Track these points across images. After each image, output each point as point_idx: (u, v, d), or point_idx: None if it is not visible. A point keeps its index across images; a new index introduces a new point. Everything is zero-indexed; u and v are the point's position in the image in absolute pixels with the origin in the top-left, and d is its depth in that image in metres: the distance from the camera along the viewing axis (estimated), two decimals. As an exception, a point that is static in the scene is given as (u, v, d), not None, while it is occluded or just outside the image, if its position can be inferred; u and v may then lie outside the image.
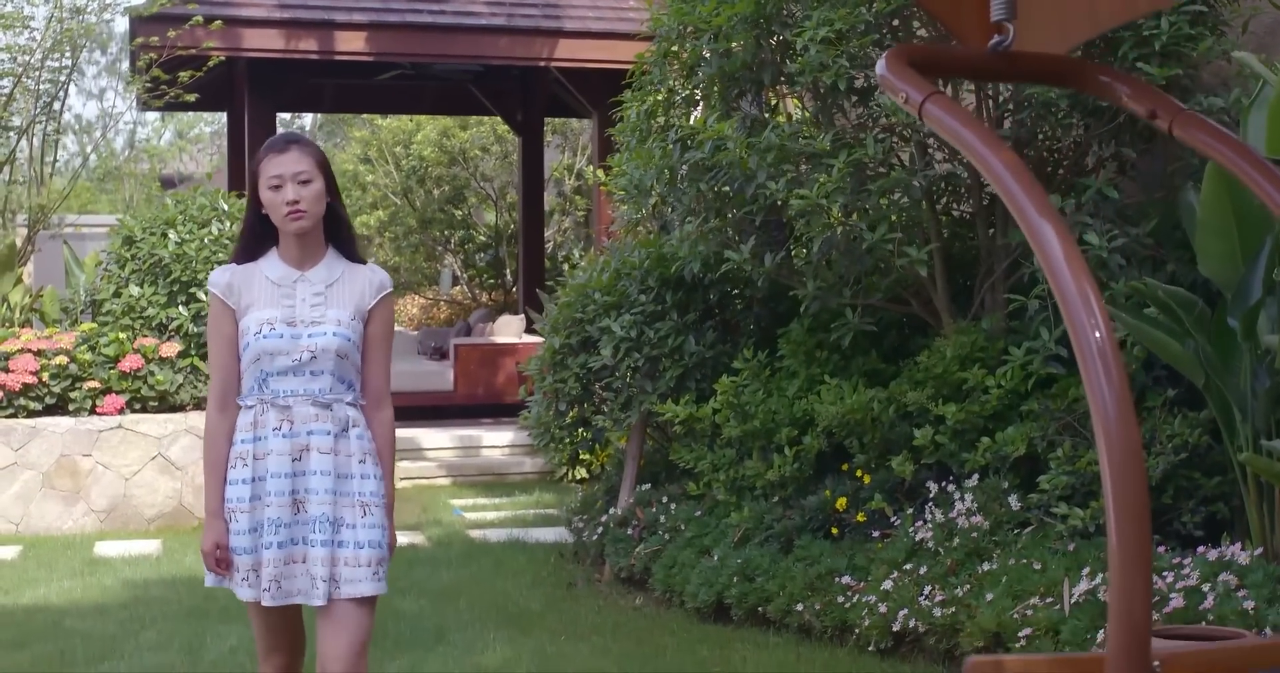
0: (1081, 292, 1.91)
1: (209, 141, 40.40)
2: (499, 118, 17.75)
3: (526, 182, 16.50)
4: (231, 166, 15.41)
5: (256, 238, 4.06)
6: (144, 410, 10.05)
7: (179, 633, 6.84)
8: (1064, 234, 1.91)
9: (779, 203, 6.78)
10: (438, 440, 12.70)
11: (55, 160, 12.65)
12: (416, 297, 22.02)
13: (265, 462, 3.95)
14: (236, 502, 3.98)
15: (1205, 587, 5.35)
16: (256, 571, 3.96)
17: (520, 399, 10.32)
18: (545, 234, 18.10)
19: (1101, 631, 5.41)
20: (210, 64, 11.90)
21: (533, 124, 16.58)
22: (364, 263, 4.12)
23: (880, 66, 2.05)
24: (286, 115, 31.49)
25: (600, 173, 10.50)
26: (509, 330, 15.06)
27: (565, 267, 19.53)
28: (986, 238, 7.03)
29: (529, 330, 14.88)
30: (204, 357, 10.28)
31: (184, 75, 11.65)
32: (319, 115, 27.48)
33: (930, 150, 6.93)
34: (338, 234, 4.09)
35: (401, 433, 10.76)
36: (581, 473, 11.50)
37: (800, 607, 6.54)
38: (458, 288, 22.05)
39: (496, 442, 12.80)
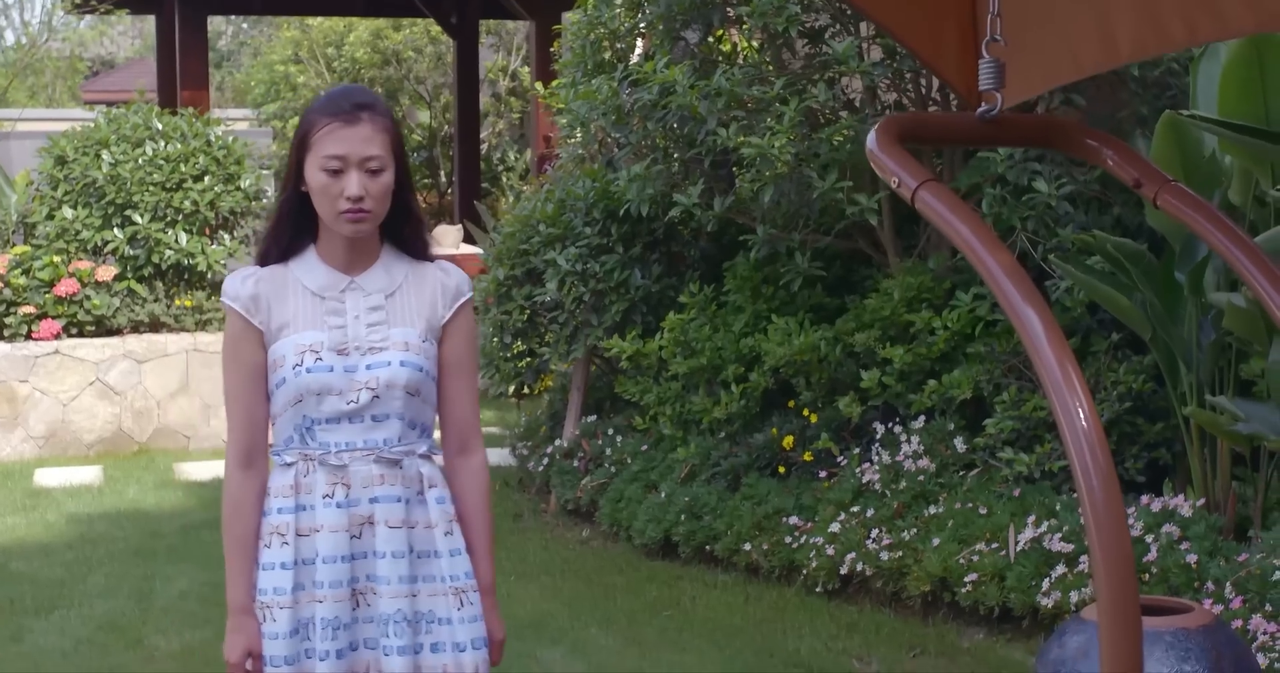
0: (1065, 374, 1.93)
1: (130, 25, 39.60)
2: (433, 20, 17.48)
3: (461, 85, 16.29)
4: (161, 75, 15.11)
5: (294, 229, 2.97)
6: (81, 335, 9.93)
7: (127, 576, 6.83)
8: (1048, 319, 1.92)
9: (729, 147, 6.74)
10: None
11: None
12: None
13: (312, 540, 2.91)
14: (273, 594, 2.91)
15: (1149, 538, 5.45)
16: None
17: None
18: (480, 137, 17.93)
19: (1046, 579, 5.51)
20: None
21: (468, 27, 16.34)
22: (430, 260, 3.05)
23: (871, 142, 2.04)
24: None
25: (539, 85, 10.37)
26: (447, 240, 14.94)
27: (500, 169, 19.39)
28: (934, 168, 7.02)
29: (467, 240, 14.78)
30: (140, 279, 10.16)
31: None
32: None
33: (880, 92, 6.90)
34: (399, 229, 3.01)
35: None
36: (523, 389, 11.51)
37: (748, 546, 6.61)
38: (391, 187, 21.77)
39: (436, 356, 12.74)
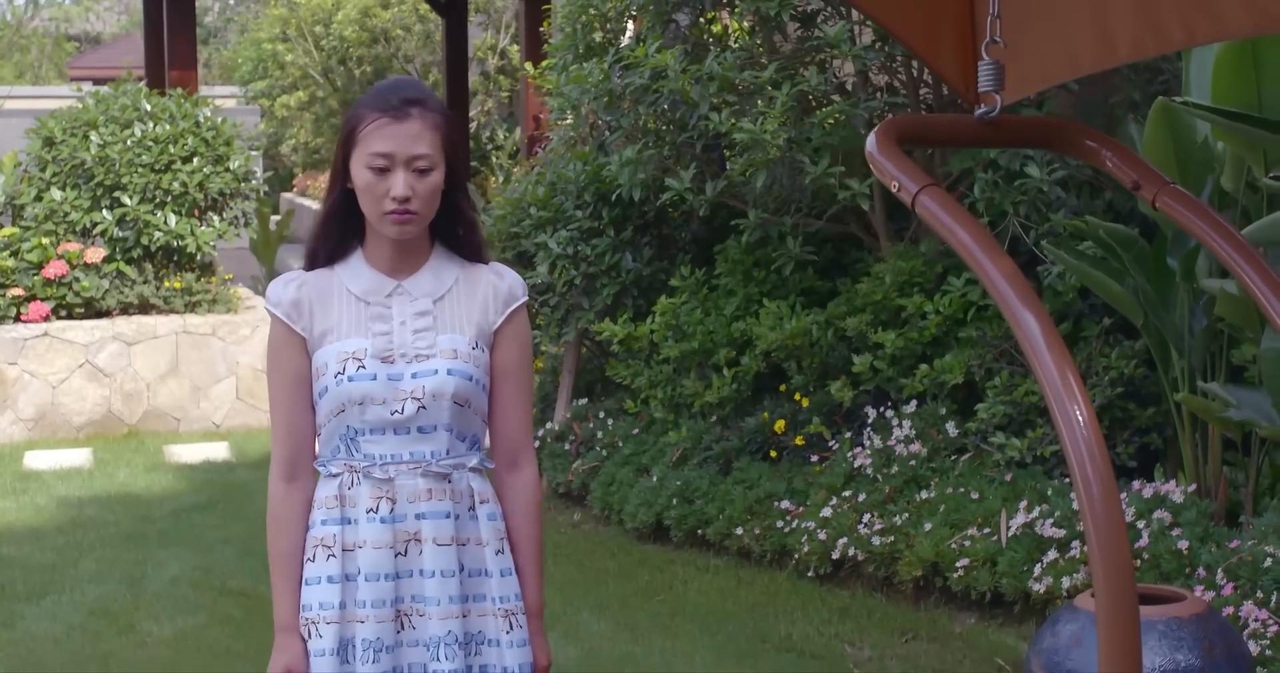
0: (1063, 376, 1.93)
1: (116, 0, 39.37)
2: (421, -2, 17.43)
3: (450, 64, 16.19)
4: (148, 53, 15.00)
5: (341, 230, 2.83)
6: (70, 317, 9.91)
7: (119, 561, 6.83)
8: (1046, 323, 1.92)
9: (721, 132, 6.72)
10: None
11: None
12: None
13: (355, 555, 2.78)
14: (319, 609, 2.78)
15: (1140, 523, 5.46)
16: None
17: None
18: (469, 115, 17.87)
19: (1038, 564, 5.53)
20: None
21: (456, 5, 16.23)
22: (484, 262, 2.90)
23: (870, 145, 2.03)
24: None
25: (529, 65, 10.33)
26: (436, 220, 14.90)
27: (489, 148, 19.34)
28: (924, 158, 7.01)
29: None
30: (129, 261, 10.12)
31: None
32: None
33: (871, 75, 6.89)
34: (450, 230, 2.86)
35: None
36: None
37: (739, 531, 6.62)
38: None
39: (426, 337, 12.73)
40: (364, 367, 2.75)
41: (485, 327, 2.84)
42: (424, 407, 2.75)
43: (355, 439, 2.79)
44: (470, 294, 2.84)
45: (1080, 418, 1.91)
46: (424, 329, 2.79)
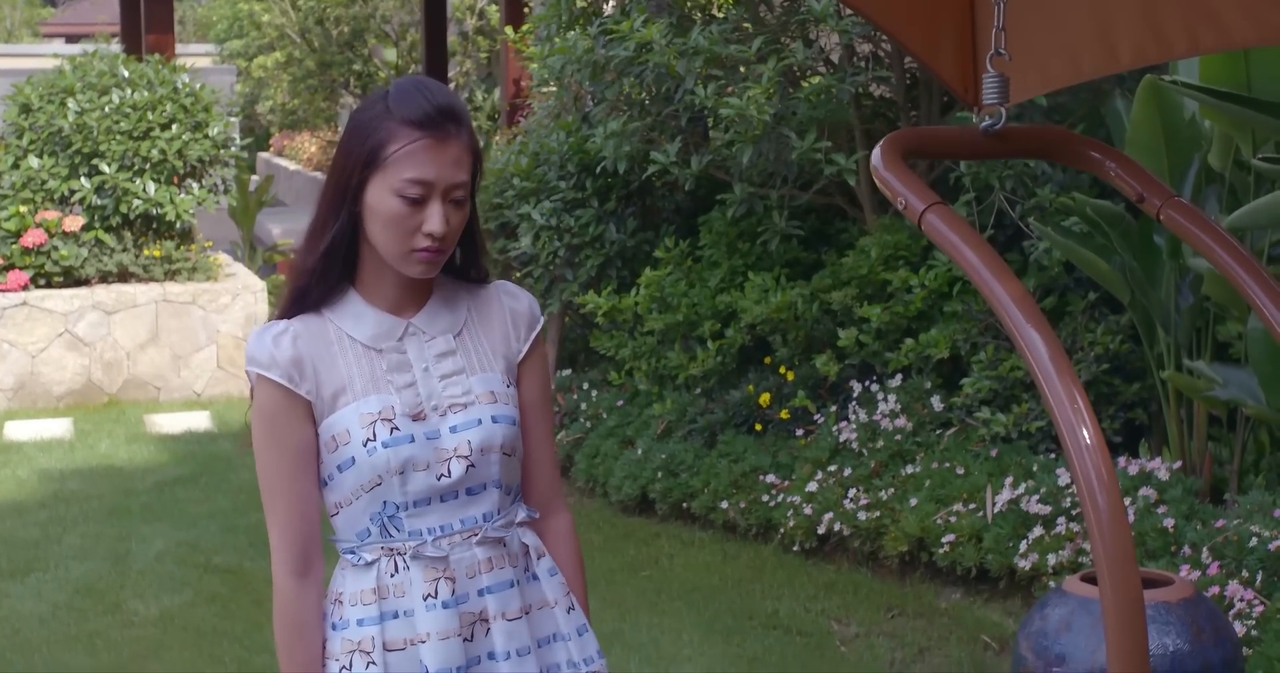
0: (1069, 392, 1.92)
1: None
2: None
3: (429, 24, 16.08)
4: (124, 12, 14.86)
5: (340, 266, 2.35)
6: (49, 286, 9.85)
7: (103, 537, 6.80)
8: (1055, 346, 1.92)
9: (707, 107, 6.69)
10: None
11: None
12: (314, 135, 21.65)
13: (412, 654, 2.32)
14: None
15: (1125, 500, 5.48)
16: None
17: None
18: (448, 76, 17.75)
19: (1025, 540, 5.54)
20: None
21: (435, -34, 16.13)
22: (483, 281, 2.49)
23: (875, 160, 2.01)
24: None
25: (509, 29, 10.26)
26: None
27: (468, 109, 19.23)
28: (909, 122, 6.99)
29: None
30: (108, 229, 10.05)
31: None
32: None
33: (856, 45, 6.85)
34: (456, 253, 2.43)
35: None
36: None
37: (725, 504, 6.62)
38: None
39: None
40: (398, 428, 2.31)
41: (511, 357, 2.45)
42: (473, 465, 2.34)
43: (395, 516, 2.34)
44: (486, 321, 2.45)
45: (1089, 442, 1.91)
46: (453, 373, 2.38)
